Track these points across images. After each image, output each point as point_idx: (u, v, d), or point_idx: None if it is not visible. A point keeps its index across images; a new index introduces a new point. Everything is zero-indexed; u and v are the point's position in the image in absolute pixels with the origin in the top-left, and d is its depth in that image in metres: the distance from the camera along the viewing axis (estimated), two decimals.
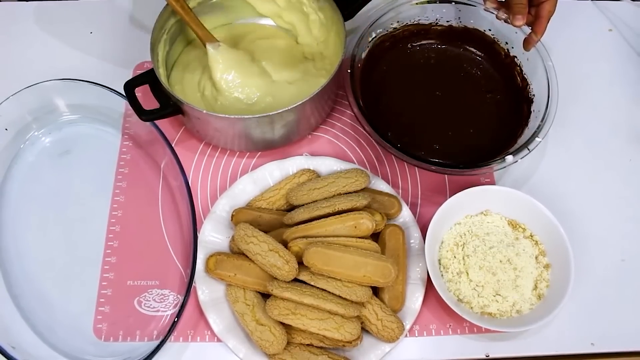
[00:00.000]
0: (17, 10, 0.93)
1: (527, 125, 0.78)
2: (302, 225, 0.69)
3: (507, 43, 0.83)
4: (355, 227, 0.68)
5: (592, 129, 0.85)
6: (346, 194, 0.72)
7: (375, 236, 0.71)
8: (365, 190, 0.74)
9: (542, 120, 0.75)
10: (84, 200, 0.77)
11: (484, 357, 0.69)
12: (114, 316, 0.70)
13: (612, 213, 0.79)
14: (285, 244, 0.68)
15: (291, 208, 0.74)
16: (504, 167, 0.73)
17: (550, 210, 0.71)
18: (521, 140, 0.76)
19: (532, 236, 0.73)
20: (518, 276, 0.70)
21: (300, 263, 0.66)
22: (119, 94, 0.77)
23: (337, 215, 0.69)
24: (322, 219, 0.69)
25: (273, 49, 0.85)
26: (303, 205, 0.72)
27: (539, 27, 0.76)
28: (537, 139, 0.73)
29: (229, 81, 0.79)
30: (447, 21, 0.86)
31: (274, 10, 0.87)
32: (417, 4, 0.84)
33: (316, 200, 0.71)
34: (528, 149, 0.73)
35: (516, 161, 0.72)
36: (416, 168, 0.80)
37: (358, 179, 0.72)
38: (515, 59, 0.83)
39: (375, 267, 0.66)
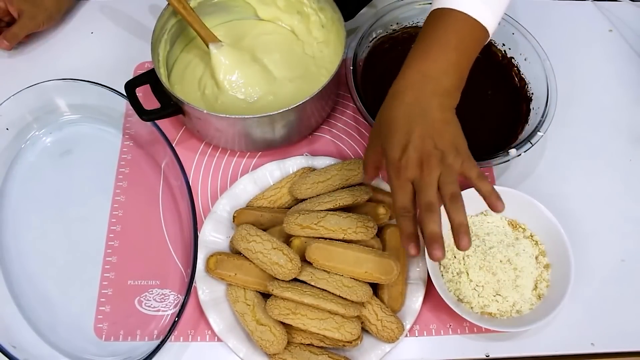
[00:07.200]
0: None
1: (527, 122, 0.79)
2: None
3: (504, 45, 0.84)
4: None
5: (592, 130, 0.85)
6: (349, 187, 0.73)
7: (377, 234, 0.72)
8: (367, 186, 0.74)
9: (542, 116, 0.76)
10: (84, 200, 0.77)
11: (484, 357, 0.69)
12: (114, 316, 0.70)
13: (612, 213, 0.79)
14: (287, 241, 0.69)
15: (293, 203, 0.74)
16: (508, 160, 0.73)
17: (550, 210, 0.72)
18: (522, 136, 0.77)
19: (532, 236, 0.73)
20: (518, 276, 0.70)
21: (301, 259, 0.67)
22: (120, 93, 0.77)
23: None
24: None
25: (274, 44, 0.85)
26: (306, 199, 0.72)
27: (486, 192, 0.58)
28: (539, 133, 0.75)
29: (232, 81, 0.79)
30: None
31: (275, 14, 0.87)
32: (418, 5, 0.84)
33: (319, 194, 0.72)
34: (530, 143, 0.74)
35: (519, 154, 0.73)
36: None
37: (360, 172, 0.73)
38: (513, 60, 0.83)
39: (377, 264, 0.66)
